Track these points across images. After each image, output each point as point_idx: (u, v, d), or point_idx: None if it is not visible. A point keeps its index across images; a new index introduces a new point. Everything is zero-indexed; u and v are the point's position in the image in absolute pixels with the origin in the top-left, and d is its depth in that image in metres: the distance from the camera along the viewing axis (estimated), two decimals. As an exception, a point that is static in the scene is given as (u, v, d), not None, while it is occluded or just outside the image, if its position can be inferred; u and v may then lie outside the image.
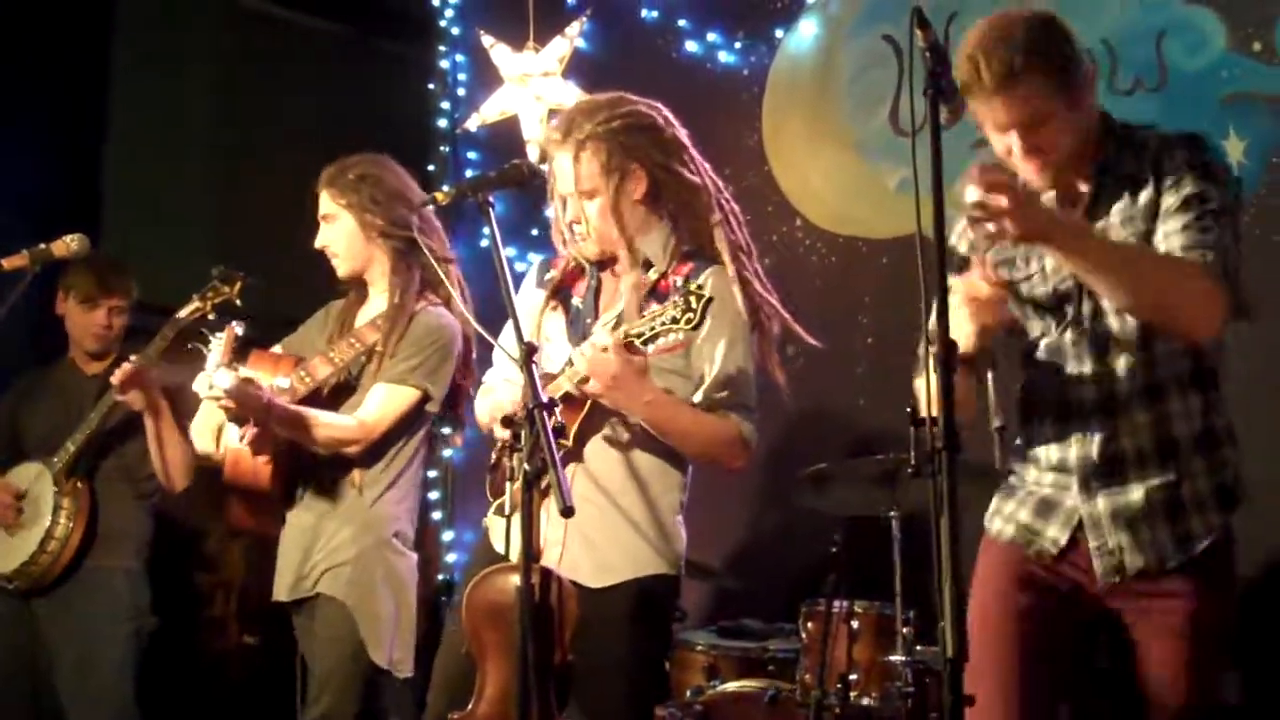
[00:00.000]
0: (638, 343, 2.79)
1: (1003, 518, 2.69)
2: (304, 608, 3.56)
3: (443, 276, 3.51)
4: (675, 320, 2.72)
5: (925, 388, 2.21)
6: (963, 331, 2.43)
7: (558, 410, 2.69)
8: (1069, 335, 2.58)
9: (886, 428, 4.07)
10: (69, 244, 3.71)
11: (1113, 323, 2.54)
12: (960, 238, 2.71)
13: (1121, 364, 2.53)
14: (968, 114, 2.52)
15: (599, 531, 3.00)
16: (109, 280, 4.38)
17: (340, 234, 3.66)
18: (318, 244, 3.70)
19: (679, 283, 2.94)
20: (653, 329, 2.76)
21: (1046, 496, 2.63)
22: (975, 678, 2.07)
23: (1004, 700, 2.52)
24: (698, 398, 3.03)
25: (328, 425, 3.49)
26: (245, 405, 3.35)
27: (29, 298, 3.69)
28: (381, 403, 3.51)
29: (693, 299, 2.70)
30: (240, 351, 3.50)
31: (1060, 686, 2.66)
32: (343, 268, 3.70)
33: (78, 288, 4.36)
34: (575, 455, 3.02)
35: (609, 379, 2.84)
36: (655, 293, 3.04)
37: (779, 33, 5.07)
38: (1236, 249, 2.45)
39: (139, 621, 4.29)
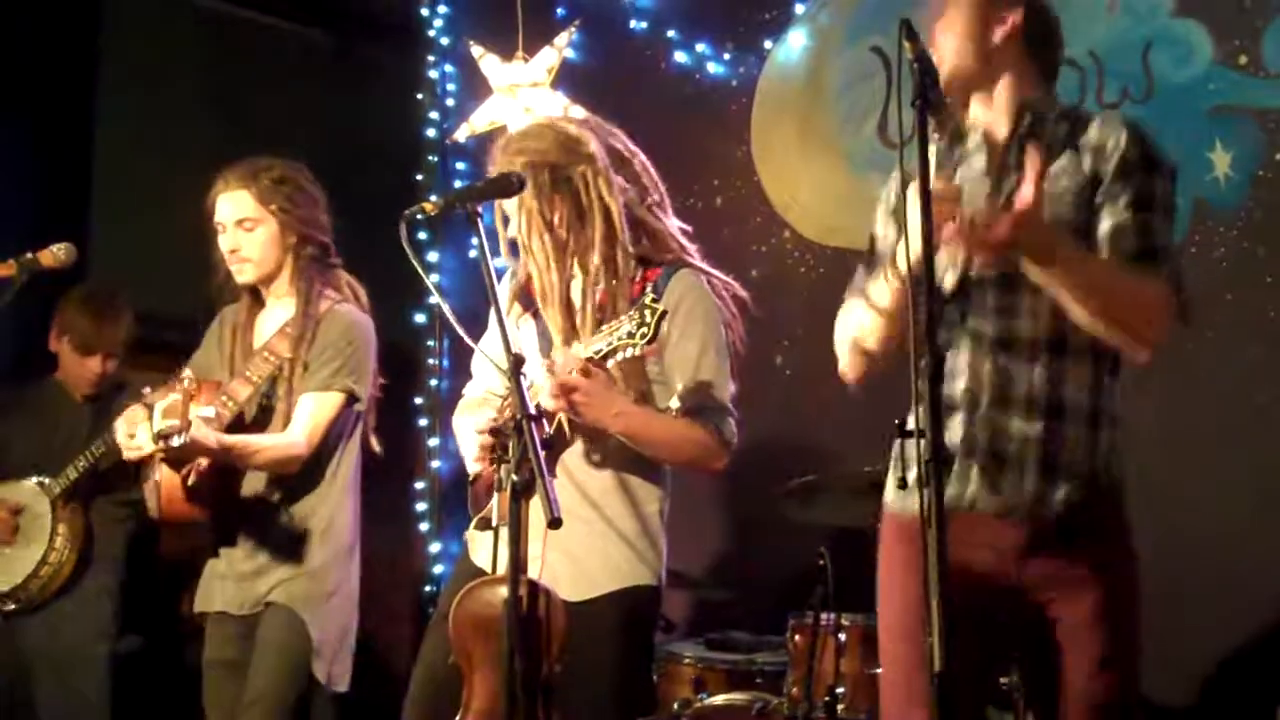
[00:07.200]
0: (596, 359, 2.79)
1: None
2: (246, 617, 3.51)
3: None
4: (631, 335, 2.71)
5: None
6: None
7: (546, 422, 2.69)
8: (977, 269, 2.51)
9: (874, 439, 4.06)
10: (56, 253, 3.68)
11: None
12: (885, 223, 2.68)
13: (1028, 304, 2.47)
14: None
15: (578, 544, 2.98)
16: (105, 331, 4.35)
17: (258, 239, 3.58)
18: (228, 247, 3.59)
19: (647, 291, 2.93)
20: (609, 344, 2.75)
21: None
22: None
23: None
24: (673, 403, 3.02)
25: (271, 448, 3.47)
26: (195, 453, 3.33)
27: (15, 307, 3.68)
28: (312, 413, 3.49)
29: (647, 313, 2.69)
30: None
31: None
32: (250, 273, 3.61)
33: (74, 333, 4.33)
34: (550, 468, 3.01)
35: (576, 398, 2.83)
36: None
37: (768, 44, 5.07)
38: (1178, 249, 2.48)
39: (117, 641, 4.26)
